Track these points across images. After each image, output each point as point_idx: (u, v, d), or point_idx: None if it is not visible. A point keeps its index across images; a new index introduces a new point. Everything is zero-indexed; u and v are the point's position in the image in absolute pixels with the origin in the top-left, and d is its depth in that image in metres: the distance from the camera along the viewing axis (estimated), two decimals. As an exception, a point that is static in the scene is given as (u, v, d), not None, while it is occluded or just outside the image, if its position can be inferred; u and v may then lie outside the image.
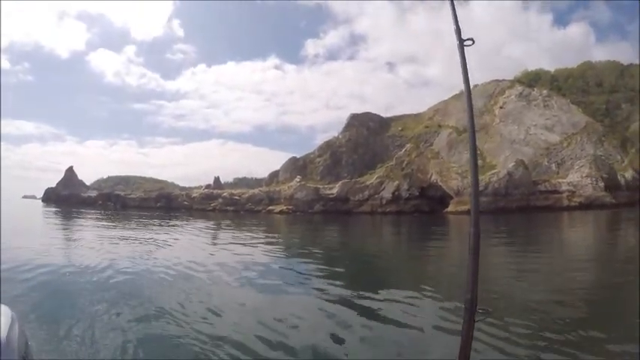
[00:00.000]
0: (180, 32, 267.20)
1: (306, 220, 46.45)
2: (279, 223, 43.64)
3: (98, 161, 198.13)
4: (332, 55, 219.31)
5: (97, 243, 19.60)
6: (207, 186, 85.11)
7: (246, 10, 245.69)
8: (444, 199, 55.38)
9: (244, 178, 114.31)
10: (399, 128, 77.86)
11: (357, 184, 62.58)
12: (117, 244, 19.44)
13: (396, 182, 59.80)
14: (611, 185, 51.17)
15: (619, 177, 53.11)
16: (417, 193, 58.61)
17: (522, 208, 49.46)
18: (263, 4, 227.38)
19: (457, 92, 71.03)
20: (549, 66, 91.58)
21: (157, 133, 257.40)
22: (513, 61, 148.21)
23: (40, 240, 20.36)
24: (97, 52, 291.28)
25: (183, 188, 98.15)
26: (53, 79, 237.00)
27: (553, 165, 59.24)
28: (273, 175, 79.17)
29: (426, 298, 8.75)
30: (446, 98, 78.86)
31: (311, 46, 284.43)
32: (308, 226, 38.80)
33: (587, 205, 48.64)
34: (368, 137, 76.79)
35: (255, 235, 26.55)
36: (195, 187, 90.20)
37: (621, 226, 31.08)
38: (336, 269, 13.69)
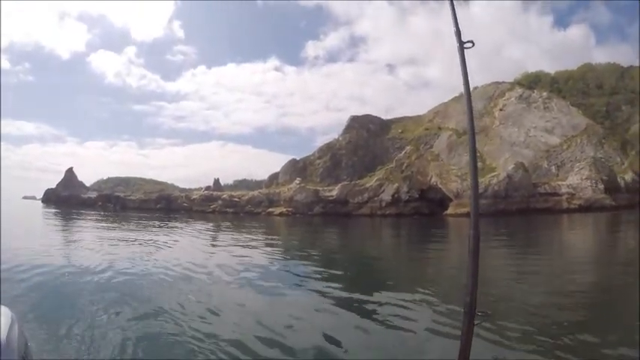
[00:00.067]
0: (181, 33, 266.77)
1: (306, 223, 46.44)
2: (278, 225, 43.63)
3: (98, 162, 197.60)
4: (332, 57, 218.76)
5: (96, 244, 19.59)
6: (207, 188, 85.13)
7: (246, 11, 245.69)
8: (443, 202, 55.38)
9: (244, 180, 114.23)
10: (399, 130, 77.88)
11: (356, 187, 62.57)
12: (116, 245, 19.44)
13: (396, 185, 59.79)
14: (611, 187, 51.17)
15: (619, 179, 53.11)
16: (417, 196, 58.61)
17: (522, 210, 49.45)
18: (263, 6, 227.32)
19: (457, 94, 71.09)
20: (549, 68, 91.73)
21: (157, 135, 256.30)
22: (513, 63, 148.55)
23: (40, 241, 20.35)
24: (98, 53, 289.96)
25: (183, 190, 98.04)
26: (54, 80, 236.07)
27: (553, 167, 59.24)
28: (273, 177, 79.17)
29: (425, 301, 8.74)
30: (446, 100, 78.99)
31: (311, 48, 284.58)
32: (307, 228, 38.80)
33: (587, 208, 48.64)
34: (368, 139, 76.80)
35: (255, 237, 26.53)
36: (195, 189, 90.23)
37: (621, 228, 31.07)
38: (336, 271, 13.68)
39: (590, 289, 10.42)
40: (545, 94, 70.14)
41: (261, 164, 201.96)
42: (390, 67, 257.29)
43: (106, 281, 10.61)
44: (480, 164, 56.14)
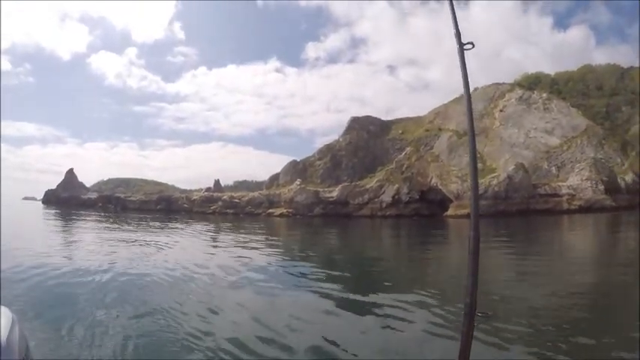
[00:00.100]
0: (182, 35, 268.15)
1: (306, 224, 46.42)
2: (278, 226, 43.61)
3: (99, 163, 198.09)
4: (332, 59, 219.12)
5: (97, 245, 19.62)
6: (208, 189, 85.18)
7: (247, 13, 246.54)
8: (443, 203, 55.34)
9: (244, 181, 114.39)
10: (400, 131, 77.92)
11: (357, 188, 62.55)
12: (117, 245, 19.44)
13: (396, 186, 59.76)
14: (611, 188, 51.13)
15: (619, 180, 53.08)
16: (417, 197, 58.57)
17: (522, 211, 49.41)
18: (264, 8, 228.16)
19: (457, 95, 71.04)
20: (549, 69, 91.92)
21: (157, 136, 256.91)
22: (513, 64, 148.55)
23: (40, 242, 20.36)
24: (99, 54, 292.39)
25: (183, 191, 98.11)
26: (54, 81, 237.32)
27: (553, 168, 59.22)
28: (274, 179, 79.22)
29: (425, 302, 8.73)
30: (446, 101, 79.06)
31: (312, 50, 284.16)
32: (308, 229, 38.78)
33: (587, 209, 48.60)
34: (368, 140, 76.83)
35: (255, 238, 26.52)
36: (196, 190, 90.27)
37: (621, 229, 31.04)
38: (335, 272, 13.67)
39: (591, 290, 10.41)
40: (545, 95, 70.16)
41: (262, 165, 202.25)
42: (391, 69, 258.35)
43: (106, 282, 10.61)
44: (480, 165, 56.16)
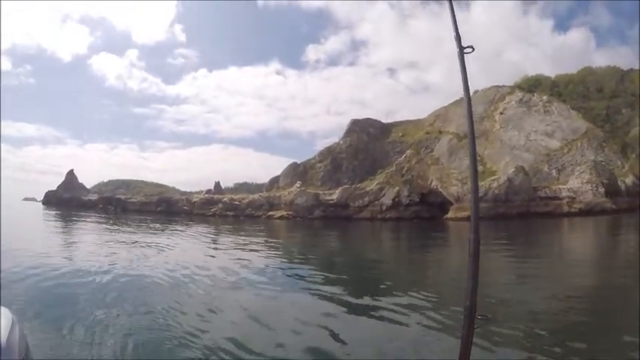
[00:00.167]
0: (182, 37, 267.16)
1: (306, 226, 46.42)
2: (278, 228, 43.62)
3: (99, 165, 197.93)
4: (333, 61, 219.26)
5: (97, 246, 19.64)
6: (208, 191, 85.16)
7: (247, 15, 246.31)
8: (444, 206, 55.27)
9: (245, 184, 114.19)
10: (400, 134, 77.93)
11: (357, 190, 62.51)
12: (117, 247, 19.44)
13: (396, 188, 59.73)
14: (612, 191, 51.06)
15: (619, 183, 53.01)
16: (417, 200, 58.50)
17: (522, 214, 49.36)
18: (264, 10, 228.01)
19: (458, 98, 70.88)
20: (549, 71, 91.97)
21: (157, 138, 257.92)
22: (513, 67, 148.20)
23: (40, 242, 20.36)
24: (99, 56, 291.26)
25: (183, 193, 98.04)
26: (55, 82, 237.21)
27: (553, 171, 59.17)
28: (274, 181, 79.20)
29: (425, 304, 8.72)
30: (446, 104, 78.95)
31: (312, 52, 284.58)
32: (308, 231, 38.77)
33: (588, 211, 48.51)
34: (368, 143, 76.83)
35: (255, 240, 26.51)
36: (196, 192, 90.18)
37: (621, 231, 31.01)
38: (335, 275, 13.69)
39: (590, 293, 10.40)
40: (545, 97, 70.17)
41: (262, 167, 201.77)
42: (391, 71, 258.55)
43: (106, 282, 10.62)
44: (480, 168, 56.15)
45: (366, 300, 9.54)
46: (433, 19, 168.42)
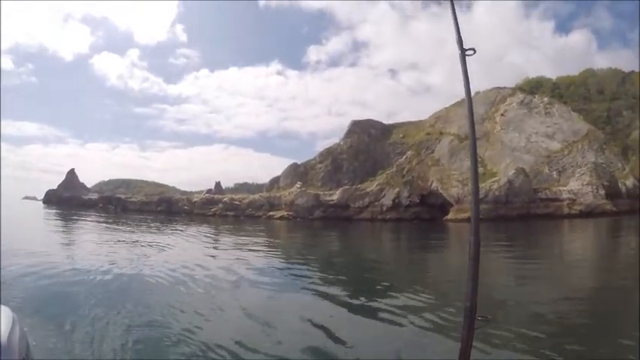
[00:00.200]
0: (184, 37, 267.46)
1: (306, 227, 46.42)
2: (279, 228, 43.62)
3: (100, 164, 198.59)
4: (334, 62, 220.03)
5: (97, 245, 19.63)
6: (208, 191, 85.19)
7: (249, 15, 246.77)
8: (444, 207, 55.24)
9: (245, 184, 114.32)
10: (401, 135, 77.85)
11: (357, 191, 62.50)
12: (117, 246, 19.45)
13: (397, 189, 59.71)
14: (612, 193, 51.01)
15: (620, 185, 52.96)
16: (418, 201, 58.48)
17: (523, 215, 49.30)
18: (266, 10, 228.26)
19: (459, 99, 70.88)
20: (551, 73, 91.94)
21: (158, 137, 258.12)
22: (515, 68, 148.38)
23: (41, 241, 20.37)
24: (101, 55, 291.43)
25: (184, 193, 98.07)
26: (56, 81, 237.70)
27: (554, 173, 59.13)
28: (274, 181, 79.18)
29: (424, 305, 8.72)
30: (447, 105, 78.91)
31: (313, 53, 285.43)
32: (308, 232, 38.77)
33: (588, 213, 48.48)
34: (369, 144, 76.79)
35: (255, 240, 26.52)
36: (196, 192, 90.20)
37: (621, 233, 31.00)
38: (335, 275, 13.69)
39: (590, 294, 10.40)
40: (546, 99, 70.13)
41: (263, 168, 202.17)
42: (392, 72, 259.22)
43: (106, 282, 10.63)
44: (480, 169, 56.10)
45: (366, 300, 9.53)
46: (434, 21, 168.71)
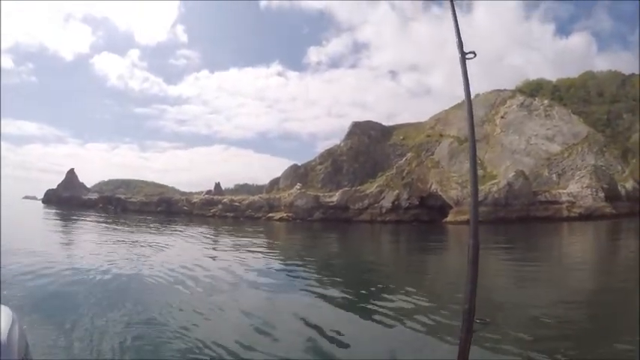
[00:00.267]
0: (184, 37, 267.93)
1: (306, 228, 46.40)
2: (278, 230, 43.60)
3: (100, 164, 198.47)
4: (334, 63, 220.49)
5: (97, 245, 19.62)
6: (208, 192, 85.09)
7: (249, 16, 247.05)
8: (443, 209, 55.23)
9: (245, 185, 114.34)
10: (401, 137, 77.83)
11: (357, 193, 62.49)
12: (116, 246, 19.44)
13: (396, 191, 59.70)
14: (612, 196, 51.01)
15: (619, 187, 52.95)
16: (417, 203, 58.48)
17: (522, 218, 49.26)
18: (266, 11, 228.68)
19: (459, 101, 70.87)
20: (551, 76, 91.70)
21: (158, 138, 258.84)
22: (515, 71, 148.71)
23: (41, 241, 20.36)
24: (101, 55, 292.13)
25: (183, 193, 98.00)
26: (57, 81, 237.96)
27: (554, 175, 59.12)
28: (274, 182, 79.08)
29: (423, 307, 8.72)
30: (447, 107, 78.94)
31: (314, 54, 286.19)
32: (307, 233, 38.75)
33: (587, 216, 48.47)
34: (369, 146, 76.76)
35: (254, 241, 26.51)
36: (196, 193, 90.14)
37: (621, 236, 31.00)
38: (334, 277, 13.69)
39: (590, 297, 10.40)
40: (546, 101, 70.16)
41: (263, 169, 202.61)
42: (392, 74, 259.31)
43: (106, 281, 10.65)
44: (480, 172, 56.13)
45: (364, 302, 9.52)
46: (435, 22, 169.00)
